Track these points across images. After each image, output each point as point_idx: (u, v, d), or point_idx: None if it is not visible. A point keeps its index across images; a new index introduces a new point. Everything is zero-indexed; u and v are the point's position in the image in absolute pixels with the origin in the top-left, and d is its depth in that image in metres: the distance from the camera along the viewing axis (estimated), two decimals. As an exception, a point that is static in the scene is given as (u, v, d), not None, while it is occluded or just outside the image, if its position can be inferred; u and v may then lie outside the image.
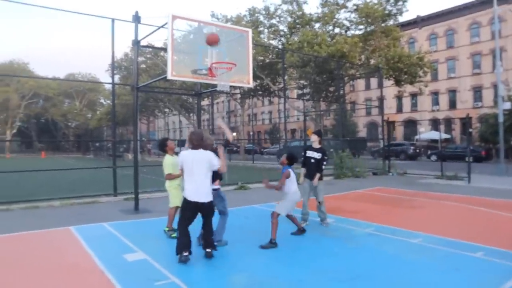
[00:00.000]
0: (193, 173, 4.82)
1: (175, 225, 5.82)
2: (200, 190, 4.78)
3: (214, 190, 5.28)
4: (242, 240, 5.89)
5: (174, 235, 5.87)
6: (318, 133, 7.19)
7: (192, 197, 4.78)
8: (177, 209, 6.12)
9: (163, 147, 6.48)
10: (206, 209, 4.87)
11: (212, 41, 7.02)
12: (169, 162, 6.22)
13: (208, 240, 5.01)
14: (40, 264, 4.93)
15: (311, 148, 7.03)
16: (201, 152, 4.89)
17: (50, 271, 4.66)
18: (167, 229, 6.26)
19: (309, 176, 6.93)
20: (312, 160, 6.88)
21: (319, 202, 6.93)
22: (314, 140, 7.06)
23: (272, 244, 5.49)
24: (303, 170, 7.10)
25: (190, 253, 4.81)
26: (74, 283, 4.28)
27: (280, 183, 5.83)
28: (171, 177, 6.20)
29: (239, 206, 9.03)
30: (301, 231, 6.22)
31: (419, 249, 5.46)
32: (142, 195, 9.90)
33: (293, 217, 6.15)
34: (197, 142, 4.90)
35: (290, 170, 5.86)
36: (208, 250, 4.99)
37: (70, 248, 5.71)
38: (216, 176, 5.45)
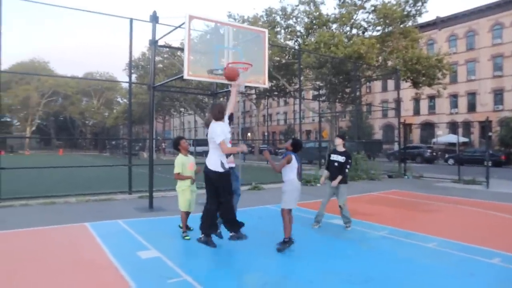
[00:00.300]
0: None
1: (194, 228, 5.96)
2: (208, 159, 5.02)
3: (229, 168, 5.28)
4: (255, 240, 5.88)
5: (188, 237, 5.96)
6: (341, 136, 7.25)
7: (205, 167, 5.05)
8: (187, 214, 6.12)
9: (176, 145, 6.37)
10: (215, 180, 4.93)
11: (230, 77, 7.03)
12: (179, 161, 6.09)
13: (228, 221, 5.05)
14: (56, 259, 5.03)
15: (335, 152, 7.06)
16: (212, 124, 5.06)
17: (66, 266, 4.74)
18: (182, 231, 6.19)
19: (332, 179, 6.93)
20: (336, 164, 6.90)
21: (340, 206, 6.89)
22: (338, 143, 7.09)
23: (286, 243, 5.34)
24: (325, 172, 7.13)
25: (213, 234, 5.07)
26: (88, 279, 4.35)
27: (279, 165, 5.54)
28: (179, 177, 6.08)
29: (252, 206, 9.03)
30: (291, 239, 5.45)
31: (433, 253, 5.37)
32: (157, 193, 9.99)
33: (290, 221, 5.53)
34: (213, 115, 5.08)
35: (292, 155, 5.52)
36: (231, 233, 5.07)
37: (86, 244, 5.80)
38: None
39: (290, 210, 5.49)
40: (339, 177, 6.78)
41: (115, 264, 4.78)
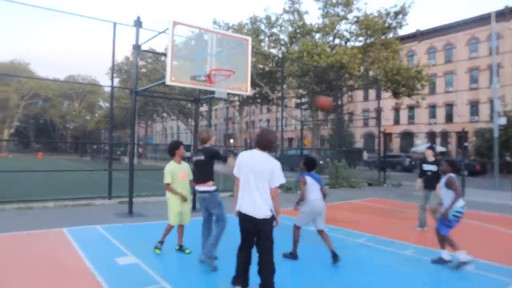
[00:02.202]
0: None
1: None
2: (254, 203, 3.85)
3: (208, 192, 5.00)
4: (234, 248, 5.88)
5: (158, 250, 5.48)
6: (431, 147, 7.98)
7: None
8: (180, 227, 5.65)
9: (173, 151, 5.56)
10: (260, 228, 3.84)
11: (325, 106, 7.14)
12: (169, 170, 5.43)
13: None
14: (31, 265, 4.92)
15: (426, 162, 7.77)
16: (262, 155, 3.91)
17: (41, 272, 4.65)
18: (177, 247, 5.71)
19: (428, 186, 7.53)
20: (429, 173, 7.58)
21: (432, 210, 7.43)
22: (429, 155, 7.80)
23: (291, 254, 5.40)
24: (419, 180, 7.93)
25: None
26: (64, 285, 4.28)
27: (301, 192, 5.31)
28: (170, 190, 5.46)
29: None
30: (333, 254, 5.19)
31: (410, 260, 5.49)
32: (137, 198, 9.89)
33: (325, 236, 5.33)
34: (268, 143, 3.92)
35: (306, 176, 5.33)
36: None
37: (62, 250, 5.70)
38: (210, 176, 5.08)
39: (298, 227, 5.44)
40: (439, 184, 7.11)
41: (91, 270, 4.71)
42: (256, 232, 3.78)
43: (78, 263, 5.02)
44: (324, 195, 5.41)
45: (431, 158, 7.72)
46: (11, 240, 6.23)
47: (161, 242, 5.55)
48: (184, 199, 5.48)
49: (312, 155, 25.63)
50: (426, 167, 7.72)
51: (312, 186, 5.31)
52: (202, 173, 5.08)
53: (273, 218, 3.77)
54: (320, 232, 5.36)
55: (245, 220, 3.81)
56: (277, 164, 3.76)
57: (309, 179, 5.33)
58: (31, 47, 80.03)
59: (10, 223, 7.43)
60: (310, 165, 5.50)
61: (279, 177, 3.75)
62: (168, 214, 5.56)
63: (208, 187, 4.99)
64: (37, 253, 5.52)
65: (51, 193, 10.94)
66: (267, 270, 3.72)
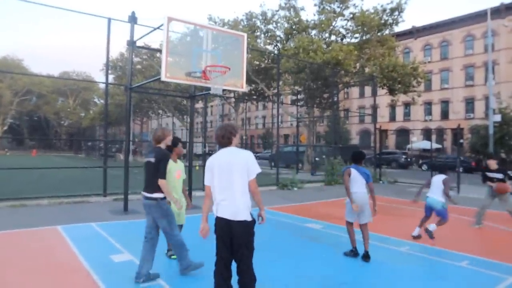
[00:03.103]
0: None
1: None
2: (233, 203, 3.44)
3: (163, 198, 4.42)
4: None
5: (174, 256, 5.01)
6: (492, 156, 8.26)
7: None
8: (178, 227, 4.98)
9: (170, 147, 5.05)
10: (239, 234, 3.41)
11: (501, 190, 7.44)
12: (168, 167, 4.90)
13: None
14: (26, 263, 4.88)
15: (489, 171, 8.00)
16: (235, 150, 3.54)
17: (35, 270, 4.61)
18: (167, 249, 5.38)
19: (496, 188, 7.74)
20: (495, 180, 7.84)
21: (509, 211, 7.80)
22: (491, 164, 8.01)
23: (351, 253, 5.45)
24: (490, 184, 7.99)
25: None
26: (59, 283, 4.24)
27: (345, 183, 5.44)
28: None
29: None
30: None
31: (406, 257, 5.50)
32: (132, 196, 9.84)
33: (365, 232, 5.36)
34: (228, 137, 3.54)
35: (351, 168, 5.39)
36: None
37: (57, 248, 5.65)
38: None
39: (350, 223, 5.50)
40: (509, 186, 7.67)
41: (86, 267, 4.68)
42: (234, 238, 3.34)
43: (73, 260, 4.99)
44: (370, 190, 5.41)
45: (494, 167, 7.95)
46: (5, 238, 6.18)
47: (169, 249, 5.27)
48: (177, 205, 4.76)
49: (308, 151, 25.65)
50: (491, 174, 7.96)
51: (356, 179, 5.35)
52: (151, 177, 4.43)
53: (253, 221, 3.38)
54: (362, 226, 5.37)
55: (223, 226, 3.36)
56: (249, 154, 3.43)
57: (353, 172, 5.37)
58: (24, 43, 79.28)
59: (3, 221, 7.36)
60: (356, 158, 5.52)
61: (255, 167, 3.39)
62: None
63: (156, 193, 4.37)
64: (32, 251, 5.47)
65: (45, 190, 10.87)
66: (248, 280, 3.37)
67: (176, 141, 5.20)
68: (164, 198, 4.42)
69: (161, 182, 4.31)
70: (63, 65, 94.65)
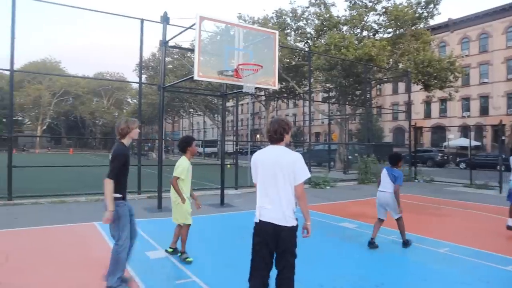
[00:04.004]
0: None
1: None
2: (278, 208, 3.14)
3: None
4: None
5: (190, 258, 4.92)
6: None
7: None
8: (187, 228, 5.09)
9: (185, 146, 5.03)
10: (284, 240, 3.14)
11: None
12: (186, 165, 4.97)
13: None
14: (65, 258, 5.04)
15: None
16: (283, 149, 3.21)
17: (74, 265, 4.75)
18: (180, 252, 5.12)
19: None
20: None
21: None
22: None
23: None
24: None
25: None
26: (96, 277, 4.34)
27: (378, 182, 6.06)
28: (177, 187, 4.90)
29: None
30: (404, 242, 5.86)
31: (445, 258, 5.27)
32: (166, 193, 9.98)
33: (400, 224, 5.88)
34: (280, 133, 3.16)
35: (384, 169, 5.92)
36: None
37: (94, 243, 5.81)
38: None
39: (379, 218, 5.96)
40: None
41: (123, 264, 4.76)
42: (279, 244, 3.06)
43: (110, 256, 5.09)
44: (394, 192, 5.72)
45: None
46: (47, 233, 6.42)
47: (183, 252, 5.05)
48: (183, 202, 4.87)
49: (340, 149, 25.26)
50: None
51: (383, 178, 5.84)
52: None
53: (297, 226, 3.11)
54: (396, 220, 5.86)
55: (268, 231, 3.05)
56: (298, 156, 3.10)
57: (383, 172, 5.87)
58: (61, 46, 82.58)
59: (46, 217, 7.67)
60: (391, 160, 5.94)
61: (303, 171, 3.05)
62: (180, 214, 5.04)
63: (115, 193, 3.88)
64: (71, 245, 5.65)
65: (82, 187, 11.24)
66: None
67: (189, 140, 5.12)
68: (120, 198, 3.86)
69: (105, 180, 3.73)
70: (97, 66, 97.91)
